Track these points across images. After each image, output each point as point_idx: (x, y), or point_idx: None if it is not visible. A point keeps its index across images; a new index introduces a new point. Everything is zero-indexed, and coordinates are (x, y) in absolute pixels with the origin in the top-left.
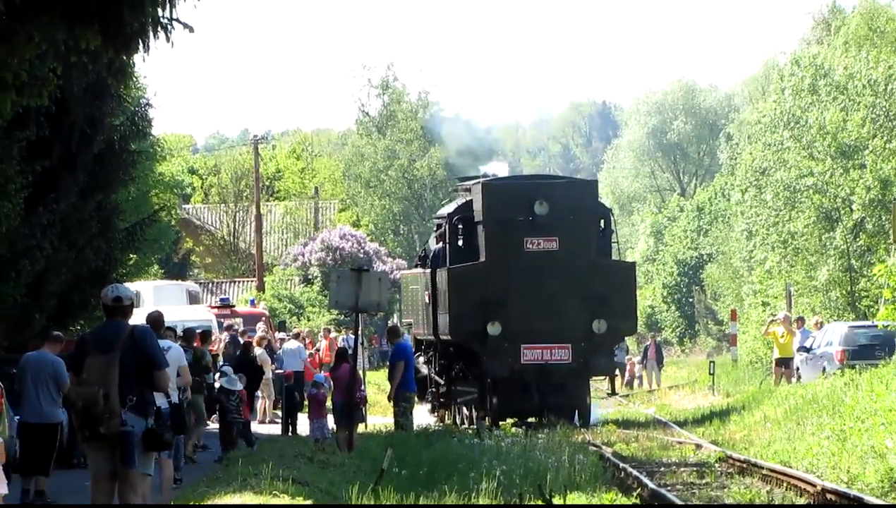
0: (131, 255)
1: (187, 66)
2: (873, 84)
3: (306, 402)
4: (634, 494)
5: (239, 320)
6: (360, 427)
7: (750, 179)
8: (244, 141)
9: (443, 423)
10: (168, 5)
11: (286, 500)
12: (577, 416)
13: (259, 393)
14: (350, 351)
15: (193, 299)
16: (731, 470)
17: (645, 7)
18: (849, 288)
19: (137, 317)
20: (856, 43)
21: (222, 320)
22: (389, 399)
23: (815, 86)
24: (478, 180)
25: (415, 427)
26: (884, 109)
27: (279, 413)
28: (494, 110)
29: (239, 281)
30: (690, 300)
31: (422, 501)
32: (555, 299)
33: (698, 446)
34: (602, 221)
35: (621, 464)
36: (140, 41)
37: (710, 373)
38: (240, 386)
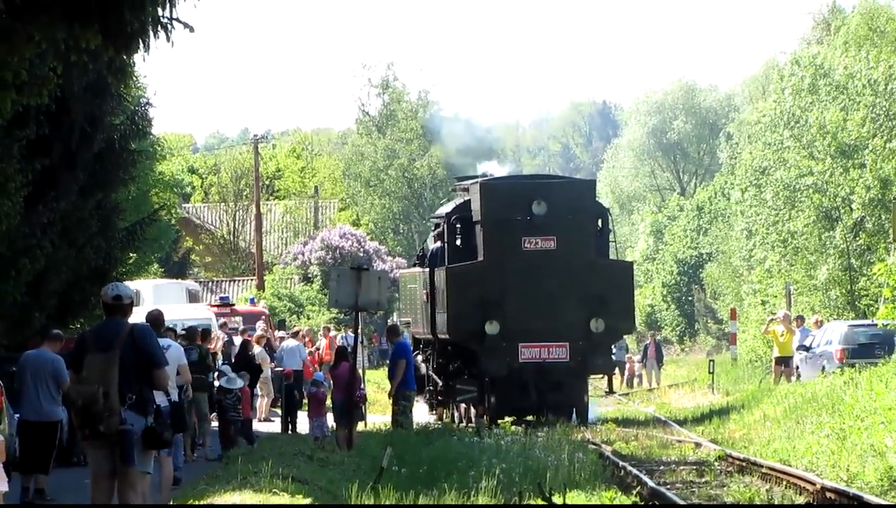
0: (131, 254)
1: (187, 66)
2: (873, 84)
3: (306, 401)
4: (634, 492)
5: (238, 318)
6: (360, 426)
7: (750, 179)
8: (244, 140)
9: (441, 421)
10: (168, 5)
11: (286, 498)
12: (574, 414)
13: (259, 391)
14: (350, 350)
15: (193, 298)
16: (730, 469)
17: (645, 7)
18: (848, 288)
19: (137, 316)
20: (856, 43)
21: (220, 319)
22: (390, 397)
23: (815, 85)
24: (476, 180)
25: (414, 426)
26: (884, 109)
27: (277, 411)
28: (494, 110)
29: (239, 280)
30: (690, 299)
31: (421, 499)
32: (553, 298)
33: (698, 444)
34: (600, 221)
35: (621, 463)
36: (140, 40)
37: (709, 372)
38: (240, 384)
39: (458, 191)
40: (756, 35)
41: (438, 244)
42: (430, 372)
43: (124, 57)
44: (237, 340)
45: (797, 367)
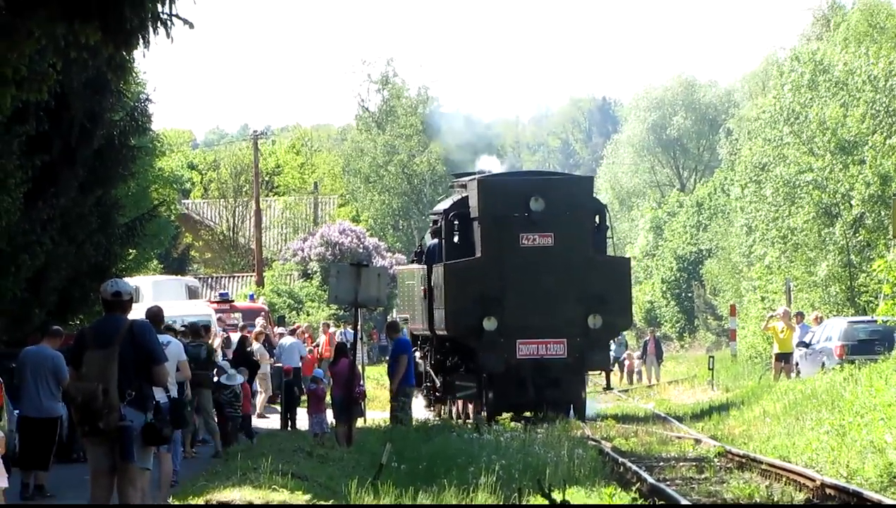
0: (131, 250)
1: (187, 62)
2: (873, 80)
3: (305, 397)
4: (634, 489)
5: (238, 315)
6: (359, 422)
7: (749, 175)
8: (244, 136)
9: (439, 418)
10: (168, 1)
11: (285, 495)
12: (572, 411)
13: (257, 387)
14: (349, 346)
15: (193, 294)
16: (730, 465)
17: (645, 2)
18: (848, 284)
19: (137, 312)
20: (856, 39)
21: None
22: (392, 393)
23: (814, 82)
24: (473, 177)
25: (413, 422)
26: (883, 105)
27: (275, 407)
28: (494, 106)
29: (238, 276)
30: (690, 295)
31: (421, 496)
32: (550, 294)
33: (697, 441)
34: (597, 217)
35: (620, 459)
36: (140, 37)
37: (709, 368)
38: (240, 380)
39: (456, 187)
40: (756, 31)
41: (436, 240)
42: (428, 369)
43: (124, 53)
44: (235, 337)
45: (797, 364)
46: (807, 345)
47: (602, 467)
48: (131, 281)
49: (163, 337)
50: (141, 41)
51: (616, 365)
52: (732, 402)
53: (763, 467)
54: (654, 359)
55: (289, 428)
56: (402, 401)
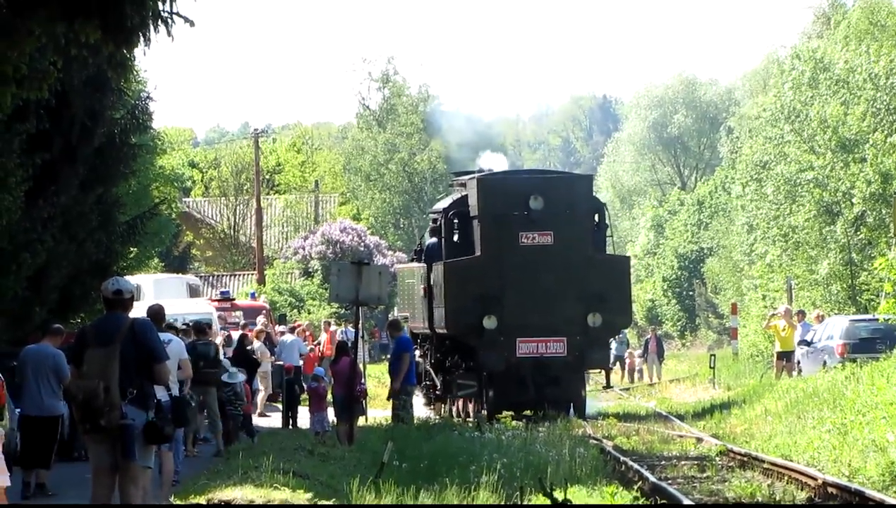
0: (132, 249)
1: (188, 60)
2: (874, 78)
3: (305, 396)
4: (635, 487)
5: (239, 313)
6: (361, 421)
7: (750, 173)
8: (244, 134)
9: (439, 416)
10: None
11: (287, 493)
12: (572, 409)
13: (259, 385)
14: (350, 345)
15: (194, 292)
16: (731, 464)
17: (646, 1)
18: (849, 282)
19: (138, 311)
20: (856, 37)
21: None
22: (395, 394)
23: (815, 80)
24: (473, 175)
25: (414, 420)
26: (884, 103)
27: (274, 405)
28: (495, 104)
29: (239, 275)
30: (691, 293)
31: (422, 494)
32: (550, 293)
33: (699, 439)
34: (597, 216)
35: (622, 458)
36: (140, 35)
37: (710, 367)
38: (241, 378)
39: (456, 186)
40: (757, 29)
41: (434, 239)
42: (428, 367)
43: (124, 51)
44: (237, 335)
45: (798, 362)
46: (808, 344)
47: (604, 466)
48: (132, 279)
49: (164, 336)
50: (141, 39)
51: (617, 364)
52: (734, 401)
53: (765, 466)
54: (656, 358)
55: (290, 427)
56: (403, 400)
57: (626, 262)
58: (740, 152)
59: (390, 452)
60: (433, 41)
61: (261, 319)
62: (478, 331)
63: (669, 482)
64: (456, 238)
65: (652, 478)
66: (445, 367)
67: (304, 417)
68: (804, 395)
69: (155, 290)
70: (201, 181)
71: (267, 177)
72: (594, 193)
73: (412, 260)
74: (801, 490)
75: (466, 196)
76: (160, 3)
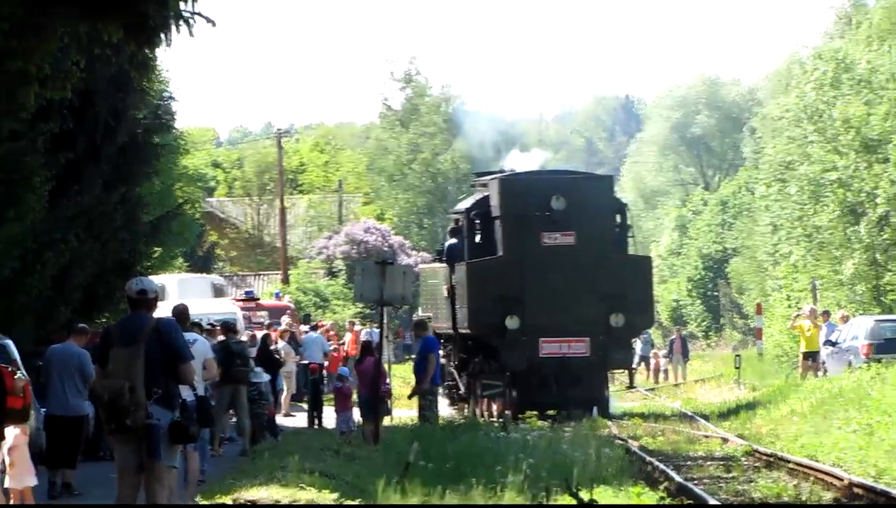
0: (156, 248)
1: (211, 60)
2: None
3: (327, 395)
4: (661, 488)
5: (264, 313)
6: (386, 420)
7: (774, 173)
8: (268, 134)
9: (463, 416)
10: None
11: (313, 493)
12: (595, 409)
13: (283, 384)
14: (375, 345)
15: (218, 292)
16: (757, 464)
17: (668, 1)
18: (874, 282)
19: (163, 310)
20: (878, 37)
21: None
22: (419, 392)
23: (837, 80)
24: (494, 176)
25: (440, 420)
26: None
27: (302, 405)
28: (518, 104)
29: (264, 275)
30: (715, 294)
31: (448, 495)
32: (572, 293)
33: (725, 440)
34: (618, 216)
35: (648, 458)
36: (162, 34)
37: (735, 367)
38: (267, 378)
39: (477, 186)
40: (779, 29)
41: (454, 240)
42: (451, 368)
43: (146, 51)
44: (260, 335)
45: (823, 362)
46: (833, 344)
47: (629, 466)
48: (157, 279)
49: (189, 335)
50: (163, 39)
51: (643, 364)
52: (759, 401)
53: (790, 466)
54: (681, 358)
55: (315, 427)
56: (429, 400)
57: (647, 262)
58: (763, 152)
59: (416, 452)
60: (456, 41)
61: (285, 319)
62: (500, 331)
63: (695, 482)
64: (478, 238)
65: (678, 478)
66: (469, 368)
67: (329, 417)
68: (830, 395)
69: (179, 290)
70: (225, 181)
71: (290, 176)
72: (616, 193)
73: (434, 261)
74: (827, 490)
75: (488, 196)
76: (182, 3)
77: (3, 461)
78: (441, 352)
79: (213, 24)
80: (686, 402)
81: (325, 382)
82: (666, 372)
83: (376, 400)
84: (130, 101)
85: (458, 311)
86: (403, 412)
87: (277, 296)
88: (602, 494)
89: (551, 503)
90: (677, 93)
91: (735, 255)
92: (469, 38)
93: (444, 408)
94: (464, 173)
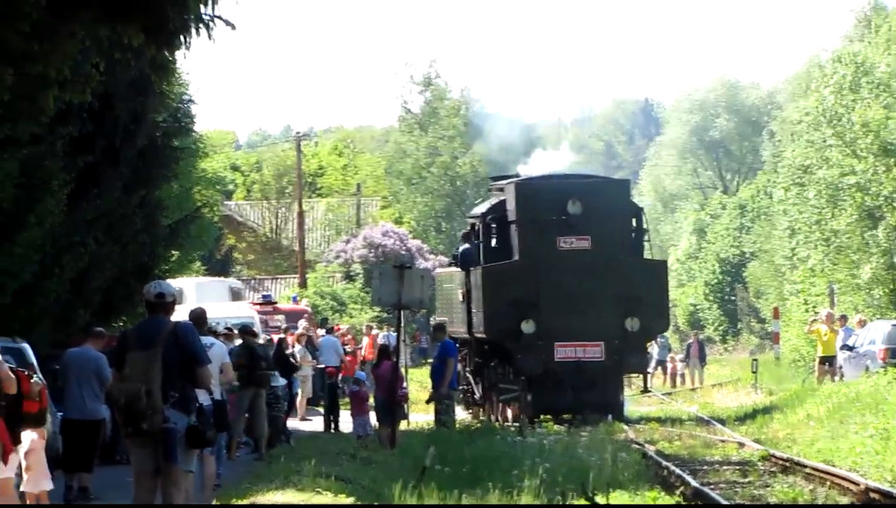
0: (174, 252)
1: (230, 63)
2: None
3: (343, 399)
4: (677, 492)
5: (281, 317)
6: (403, 425)
7: (792, 177)
8: (286, 137)
9: (479, 420)
10: (210, 1)
11: (329, 498)
12: (610, 413)
13: (298, 388)
14: (392, 349)
15: (236, 296)
16: (774, 469)
17: (688, 4)
18: (892, 286)
19: (180, 314)
20: None
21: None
22: (438, 397)
23: (856, 83)
24: (511, 180)
25: (456, 425)
26: None
27: (318, 409)
28: (537, 108)
29: (281, 278)
30: (733, 298)
31: (465, 499)
32: (588, 297)
33: (741, 444)
34: (634, 220)
35: (664, 462)
36: (182, 37)
37: (752, 371)
38: (283, 382)
39: (494, 190)
40: (798, 32)
41: (466, 245)
42: (466, 373)
43: (166, 54)
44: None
45: (840, 367)
46: (850, 348)
47: (645, 470)
48: (175, 282)
49: (206, 339)
50: (183, 42)
51: (659, 368)
52: (776, 405)
53: (807, 471)
54: (698, 362)
55: (332, 431)
56: (445, 404)
57: (663, 266)
58: (782, 156)
59: (432, 456)
60: (475, 45)
61: (302, 323)
62: (515, 336)
63: (711, 487)
64: (494, 242)
65: (694, 483)
66: (484, 372)
67: (345, 421)
68: (846, 400)
69: (197, 294)
70: (243, 184)
71: (309, 180)
72: (632, 197)
73: (450, 265)
74: (844, 495)
75: (504, 200)
76: (201, 7)
77: (20, 465)
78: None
79: (233, 28)
80: (703, 406)
81: (342, 386)
82: (683, 376)
83: (393, 403)
84: (150, 105)
85: (474, 316)
86: (420, 416)
87: (295, 300)
88: (618, 498)
89: (567, 505)
90: (696, 97)
91: (753, 259)
92: (488, 41)
93: (459, 413)
94: (482, 177)
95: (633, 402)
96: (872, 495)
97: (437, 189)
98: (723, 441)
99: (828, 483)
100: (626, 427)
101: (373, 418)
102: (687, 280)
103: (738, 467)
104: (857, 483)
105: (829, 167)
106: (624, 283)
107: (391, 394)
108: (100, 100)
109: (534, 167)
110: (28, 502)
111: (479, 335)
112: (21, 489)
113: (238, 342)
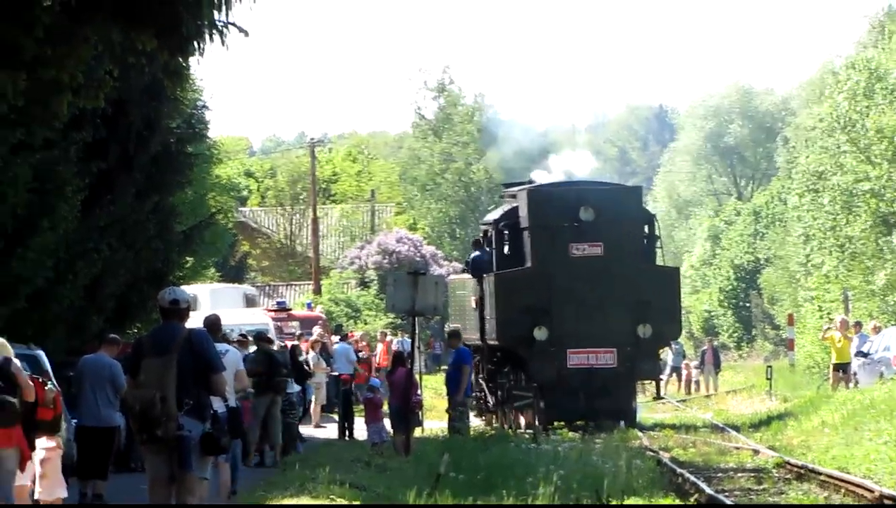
0: (188, 258)
1: (244, 69)
2: None
3: (357, 406)
4: (692, 499)
5: (295, 323)
6: (417, 432)
7: (807, 183)
8: (300, 143)
9: (492, 427)
10: (224, 8)
11: (343, 504)
12: (623, 420)
13: (312, 396)
14: (406, 355)
15: (250, 302)
16: (788, 476)
17: (702, 10)
18: None
19: (195, 321)
20: None
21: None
22: (453, 403)
23: (871, 89)
24: (523, 187)
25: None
26: None
27: (332, 416)
28: (551, 113)
29: (296, 285)
30: (747, 304)
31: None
32: (600, 304)
33: (756, 451)
34: (646, 226)
35: (678, 469)
36: (195, 43)
37: (767, 378)
38: (297, 388)
39: (506, 197)
40: (813, 38)
41: (477, 252)
42: (480, 379)
43: (179, 60)
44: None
45: (855, 374)
46: (865, 355)
47: (660, 477)
48: (189, 289)
49: (221, 346)
50: (196, 48)
51: (674, 375)
52: (791, 412)
53: (822, 478)
54: (712, 369)
55: (346, 438)
56: (460, 411)
57: (675, 273)
58: (796, 162)
59: (447, 463)
60: (489, 51)
61: (317, 329)
62: (528, 342)
63: (726, 494)
64: (506, 249)
65: (709, 490)
66: (497, 379)
67: (360, 428)
68: (861, 407)
69: (211, 300)
70: (257, 191)
71: (323, 186)
72: (645, 204)
73: (463, 272)
74: (859, 502)
75: (517, 207)
76: (216, 12)
77: (35, 472)
78: None
79: (246, 34)
80: (717, 413)
81: (355, 392)
82: (697, 382)
83: (407, 410)
84: (164, 111)
85: (487, 322)
86: (434, 423)
87: (309, 307)
88: (632, 505)
89: None
90: (710, 103)
91: (767, 266)
92: (502, 47)
93: (472, 420)
94: (496, 183)
95: (647, 409)
96: (886, 502)
97: (452, 195)
98: (737, 448)
99: (842, 490)
100: (640, 434)
101: (387, 425)
102: (701, 286)
103: (752, 474)
104: (871, 490)
105: (843, 173)
106: (636, 290)
107: (406, 401)
108: (113, 105)
109: (554, 173)
110: None
111: (492, 342)
112: (35, 497)
113: (252, 349)
